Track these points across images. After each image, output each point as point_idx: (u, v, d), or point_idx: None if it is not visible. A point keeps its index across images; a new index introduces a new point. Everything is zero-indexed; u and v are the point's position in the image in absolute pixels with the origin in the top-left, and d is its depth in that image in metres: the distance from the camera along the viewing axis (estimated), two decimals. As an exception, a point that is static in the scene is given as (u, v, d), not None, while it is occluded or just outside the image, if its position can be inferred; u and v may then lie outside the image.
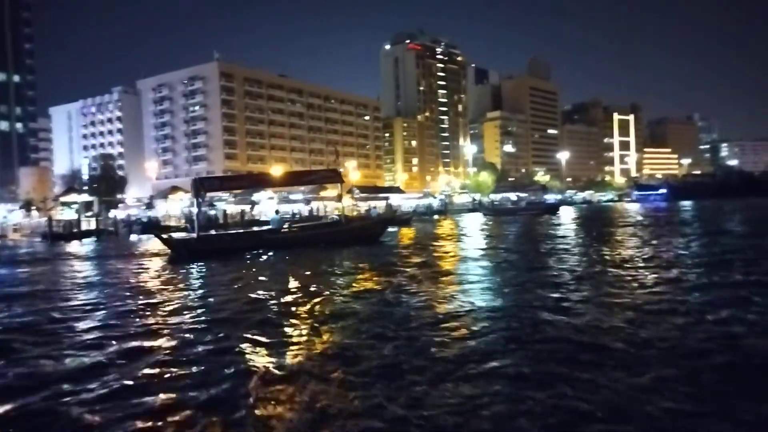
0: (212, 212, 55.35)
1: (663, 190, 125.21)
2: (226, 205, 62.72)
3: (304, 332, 7.46)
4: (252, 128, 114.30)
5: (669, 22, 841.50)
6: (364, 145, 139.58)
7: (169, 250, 21.93)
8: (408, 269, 13.92)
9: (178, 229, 40.78)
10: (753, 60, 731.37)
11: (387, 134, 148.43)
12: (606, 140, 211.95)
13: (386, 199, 67.27)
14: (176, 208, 59.22)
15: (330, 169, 41.08)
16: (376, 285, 11.75)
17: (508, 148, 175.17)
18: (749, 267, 12.26)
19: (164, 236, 23.73)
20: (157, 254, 22.76)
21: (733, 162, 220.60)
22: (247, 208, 59.28)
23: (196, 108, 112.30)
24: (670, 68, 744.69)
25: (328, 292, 10.84)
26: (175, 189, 63.39)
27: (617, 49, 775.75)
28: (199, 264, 17.63)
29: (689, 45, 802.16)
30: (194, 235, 22.92)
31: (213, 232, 30.85)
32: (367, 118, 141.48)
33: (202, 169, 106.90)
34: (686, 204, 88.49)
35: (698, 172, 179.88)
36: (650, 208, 74.61)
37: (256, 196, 64.41)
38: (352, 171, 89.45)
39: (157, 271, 16.78)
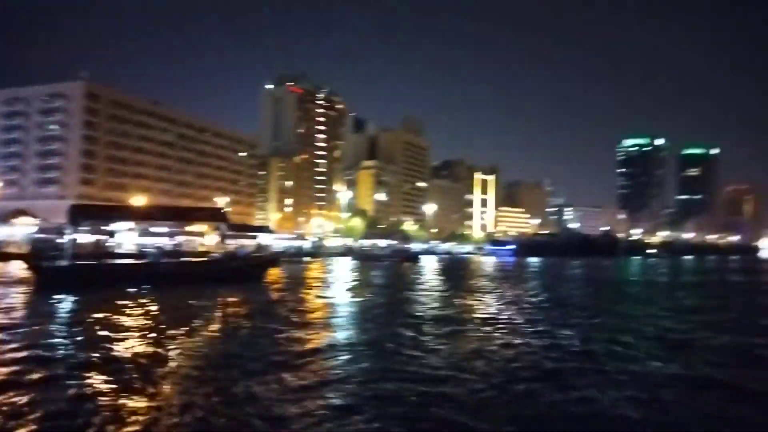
0: (61, 240, 50.98)
1: (511, 247, 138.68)
2: (75, 234, 57.85)
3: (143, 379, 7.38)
4: (115, 154, 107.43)
5: (526, 96, 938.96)
6: (237, 182, 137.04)
7: (35, 277, 20.59)
8: (281, 310, 14.62)
9: (19, 256, 37.40)
10: (593, 133, 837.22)
11: (262, 172, 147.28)
12: (468, 197, 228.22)
13: (255, 237, 66.65)
14: (20, 232, 53.73)
15: (216, 209, 40.72)
16: (232, 326, 12.28)
17: (381, 196, 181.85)
18: (579, 312, 14.81)
19: (33, 262, 22.23)
20: (17, 281, 21.08)
21: (575, 225, 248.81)
22: (102, 238, 55.36)
23: (54, 127, 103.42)
24: (527, 136, 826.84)
25: (185, 336, 10.78)
26: (19, 212, 57.59)
27: (482, 113, 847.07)
28: (69, 295, 16.83)
29: (545, 116, 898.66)
30: (65, 263, 21.71)
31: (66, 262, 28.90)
32: (242, 154, 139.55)
33: (52, 192, 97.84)
34: (534, 260, 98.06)
35: (545, 231, 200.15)
36: (501, 262, 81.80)
37: (113, 226, 60.41)
38: (223, 207, 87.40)
39: (21, 301, 15.77)
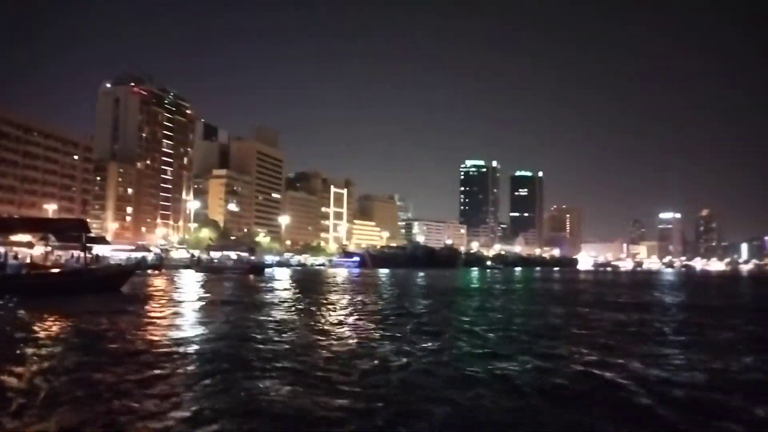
0: None
1: (356, 259, 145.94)
2: None
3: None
4: None
5: (382, 113, 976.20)
6: (70, 187, 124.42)
7: None
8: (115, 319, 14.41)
9: None
10: (440, 153, 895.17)
11: (99, 178, 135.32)
12: (323, 209, 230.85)
13: (88, 249, 61.57)
14: None
15: (78, 219, 37.49)
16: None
17: (232, 206, 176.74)
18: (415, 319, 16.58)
19: None
20: None
21: (421, 238, 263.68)
22: None
23: None
24: (379, 152, 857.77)
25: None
26: None
27: (337, 128, 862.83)
28: None
29: (397, 134, 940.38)
30: None
31: None
32: (75, 157, 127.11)
33: None
34: (383, 271, 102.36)
35: (394, 244, 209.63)
36: (351, 273, 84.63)
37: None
38: (52, 214, 79.28)
39: None
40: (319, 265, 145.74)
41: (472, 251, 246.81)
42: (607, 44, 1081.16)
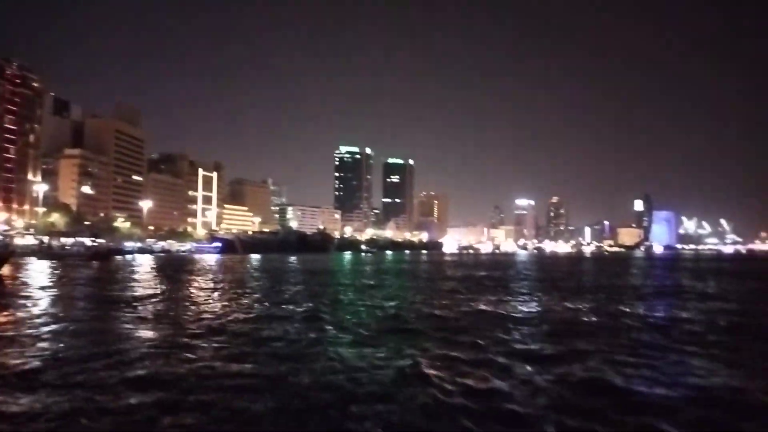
0: None
1: (217, 244, 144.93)
2: None
3: None
4: None
5: (252, 95, 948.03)
6: None
7: None
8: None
9: None
10: (314, 137, 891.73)
11: None
12: (191, 193, 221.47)
13: None
14: None
15: None
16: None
17: (87, 189, 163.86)
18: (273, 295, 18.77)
19: None
20: None
21: (295, 223, 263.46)
22: None
23: None
24: (251, 135, 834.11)
25: None
26: None
27: (206, 109, 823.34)
28: None
29: (271, 118, 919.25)
30: None
31: None
32: None
33: None
34: (255, 257, 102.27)
35: (266, 229, 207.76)
36: (213, 259, 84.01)
37: None
38: None
39: None
40: (185, 251, 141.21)
41: (345, 236, 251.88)
42: (470, 33, 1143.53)
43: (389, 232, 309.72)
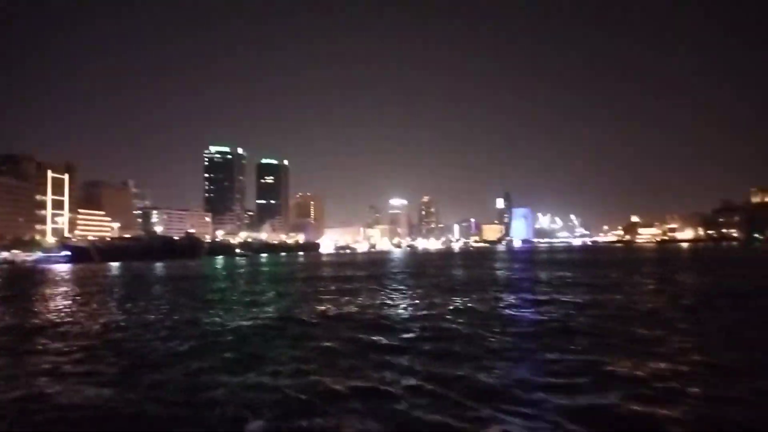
0: None
1: (67, 252, 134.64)
2: None
3: None
4: None
5: (117, 92, 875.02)
6: None
7: None
8: None
9: None
10: (181, 137, 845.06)
11: None
12: (39, 197, 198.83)
13: None
14: None
15: None
16: None
17: None
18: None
19: None
20: None
21: (160, 228, 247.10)
22: None
23: None
24: (111, 134, 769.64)
25: None
26: None
27: (59, 105, 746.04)
28: None
29: (133, 116, 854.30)
30: None
31: None
32: None
33: None
34: (114, 265, 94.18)
35: (128, 235, 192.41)
36: (62, 269, 76.31)
37: None
38: None
39: None
40: (32, 261, 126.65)
41: (217, 240, 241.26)
42: (338, 31, 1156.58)
43: (264, 235, 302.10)
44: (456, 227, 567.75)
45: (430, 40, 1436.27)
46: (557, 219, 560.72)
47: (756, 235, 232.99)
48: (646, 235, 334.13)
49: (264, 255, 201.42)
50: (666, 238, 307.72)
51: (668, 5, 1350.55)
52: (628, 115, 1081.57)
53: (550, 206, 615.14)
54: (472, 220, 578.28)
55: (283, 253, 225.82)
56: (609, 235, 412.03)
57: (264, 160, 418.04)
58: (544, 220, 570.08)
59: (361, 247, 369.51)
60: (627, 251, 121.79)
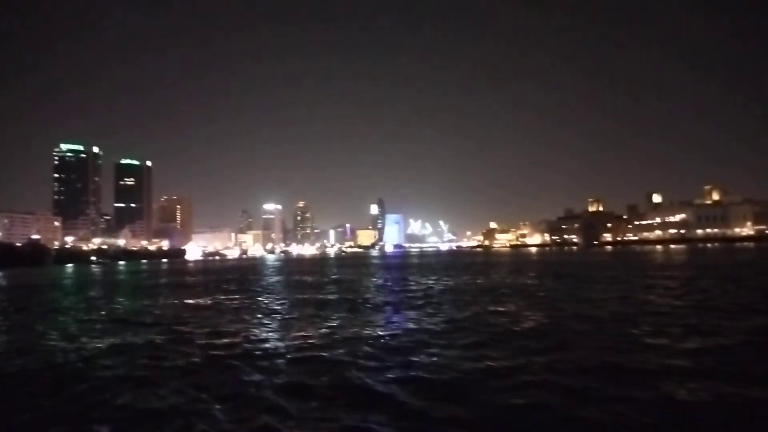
0: None
1: None
2: None
3: None
4: None
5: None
6: None
7: None
8: None
9: None
10: (27, 136, 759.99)
11: None
12: None
13: None
14: None
15: None
16: None
17: None
18: None
19: None
20: None
21: (0, 233, 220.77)
22: None
23: None
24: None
25: None
26: None
27: None
28: None
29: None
30: None
31: None
32: None
33: None
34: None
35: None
36: None
37: None
38: None
39: None
40: None
41: (68, 246, 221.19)
42: (212, 26, 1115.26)
43: (122, 241, 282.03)
44: (331, 232, 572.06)
45: (300, 41, 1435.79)
46: (427, 225, 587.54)
47: (594, 242, 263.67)
48: (503, 240, 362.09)
49: (122, 263, 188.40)
50: (518, 243, 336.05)
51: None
52: (488, 127, 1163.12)
53: (421, 212, 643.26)
54: (347, 225, 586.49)
55: (144, 261, 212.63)
56: (472, 240, 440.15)
57: (123, 160, 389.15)
58: (415, 226, 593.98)
59: (232, 253, 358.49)
60: (485, 255, 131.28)
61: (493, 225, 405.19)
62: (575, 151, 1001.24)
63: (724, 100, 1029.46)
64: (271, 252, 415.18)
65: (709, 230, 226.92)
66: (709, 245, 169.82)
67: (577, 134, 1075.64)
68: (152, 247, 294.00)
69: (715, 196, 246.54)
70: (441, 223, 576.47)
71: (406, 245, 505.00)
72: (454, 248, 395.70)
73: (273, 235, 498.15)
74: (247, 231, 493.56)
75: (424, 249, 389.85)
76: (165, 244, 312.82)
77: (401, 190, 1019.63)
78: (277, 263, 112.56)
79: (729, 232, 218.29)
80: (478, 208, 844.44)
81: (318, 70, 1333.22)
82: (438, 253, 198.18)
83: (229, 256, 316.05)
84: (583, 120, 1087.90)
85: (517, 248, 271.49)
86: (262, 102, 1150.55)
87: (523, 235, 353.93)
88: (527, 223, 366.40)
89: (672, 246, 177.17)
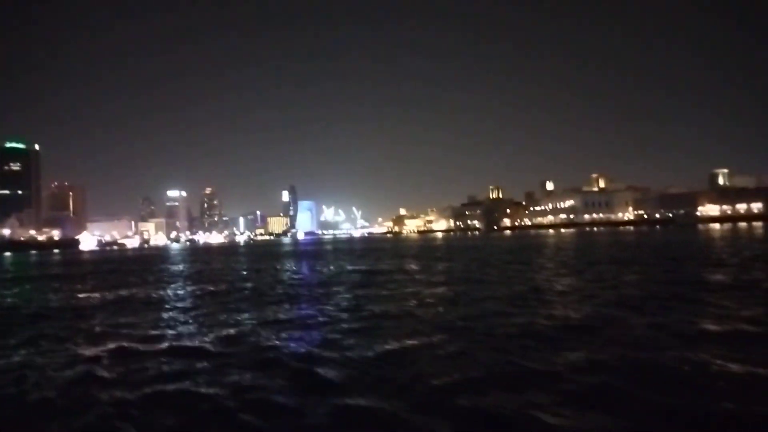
0: None
1: None
2: None
3: None
4: None
5: None
6: None
7: None
8: None
9: None
10: None
11: None
12: None
13: None
14: None
15: None
16: None
17: None
18: None
19: None
20: None
21: None
22: None
23: None
24: None
25: None
26: None
27: None
28: None
29: None
30: None
31: None
32: None
33: None
34: None
35: None
36: None
37: None
38: None
39: None
40: None
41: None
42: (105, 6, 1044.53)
43: (7, 231, 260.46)
44: (241, 220, 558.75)
45: (202, 25, 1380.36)
46: (341, 211, 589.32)
47: (494, 227, 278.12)
48: (411, 226, 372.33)
49: (8, 254, 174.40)
50: (425, 229, 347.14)
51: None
52: (398, 116, 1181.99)
53: (335, 199, 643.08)
54: (258, 212, 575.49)
55: (33, 252, 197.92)
56: (383, 227, 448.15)
57: (8, 144, 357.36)
58: (328, 213, 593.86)
59: (132, 243, 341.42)
60: (395, 241, 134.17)
61: (402, 211, 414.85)
62: (479, 139, 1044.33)
63: (611, 95, 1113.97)
64: (176, 241, 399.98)
65: (595, 215, 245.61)
66: (595, 229, 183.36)
67: (481, 124, 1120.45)
68: (42, 237, 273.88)
69: (601, 184, 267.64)
70: (354, 209, 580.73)
71: (319, 232, 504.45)
72: (366, 235, 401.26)
73: (178, 224, 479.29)
74: (149, 219, 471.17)
75: (338, 236, 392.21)
76: (56, 234, 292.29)
77: (314, 177, 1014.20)
78: (180, 253, 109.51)
79: (613, 216, 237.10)
80: (389, 195, 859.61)
81: (227, 52, 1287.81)
82: (351, 240, 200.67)
83: (129, 246, 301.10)
84: (487, 111, 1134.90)
85: (424, 234, 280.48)
86: (163, 83, 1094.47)
87: (430, 221, 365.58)
88: (434, 209, 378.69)
89: (562, 230, 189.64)
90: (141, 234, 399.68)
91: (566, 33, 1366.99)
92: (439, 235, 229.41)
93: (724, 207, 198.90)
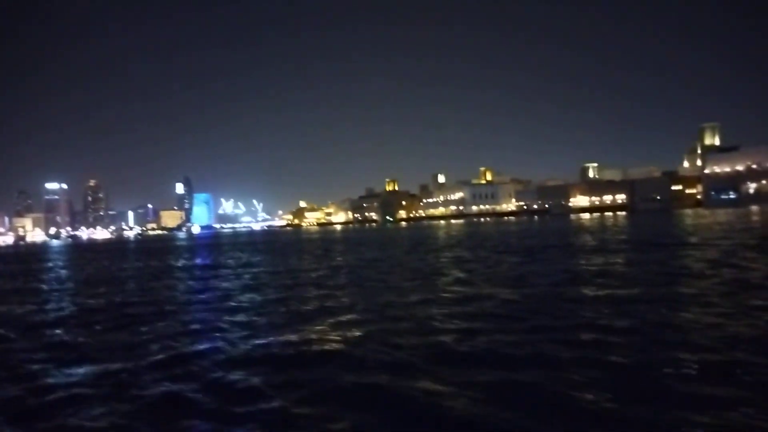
0: None
1: None
2: None
3: None
4: None
5: None
6: None
7: None
8: None
9: None
10: None
11: None
12: None
13: None
14: None
15: None
16: None
17: None
18: None
19: None
20: None
21: None
22: None
23: None
24: None
25: None
26: None
27: None
28: None
29: None
30: None
31: None
32: None
33: None
34: None
35: None
36: None
37: None
38: None
39: None
40: None
41: None
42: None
43: None
44: (131, 214, 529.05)
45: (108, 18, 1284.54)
46: (240, 204, 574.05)
47: (388, 218, 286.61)
48: (311, 218, 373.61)
49: None
50: (324, 221, 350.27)
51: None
52: (297, 107, 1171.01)
53: (234, 192, 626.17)
54: (149, 205, 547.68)
55: None
56: (283, 219, 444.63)
57: None
58: (227, 206, 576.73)
59: (5, 240, 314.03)
60: (295, 234, 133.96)
61: (302, 204, 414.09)
62: (377, 133, 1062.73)
63: (498, 94, 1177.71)
64: (56, 237, 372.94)
65: (482, 207, 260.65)
66: (482, 219, 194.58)
67: (378, 118, 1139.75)
68: None
69: (488, 177, 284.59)
70: (255, 202, 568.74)
71: (217, 226, 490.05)
72: (266, 228, 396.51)
73: (58, 218, 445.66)
74: (25, 214, 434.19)
75: (237, 229, 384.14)
76: None
77: (211, 168, 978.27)
78: (59, 250, 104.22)
79: (498, 207, 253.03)
80: (290, 188, 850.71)
81: (115, 40, 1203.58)
82: (251, 233, 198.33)
83: (2, 243, 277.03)
84: (383, 106, 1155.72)
85: (324, 226, 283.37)
86: (39, 67, 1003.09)
87: (329, 214, 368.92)
88: (333, 202, 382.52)
89: (452, 221, 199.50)
90: (16, 230, 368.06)
91: (450, 35, 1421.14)
92: (338, 227, 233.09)
93: (593, 198, 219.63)
